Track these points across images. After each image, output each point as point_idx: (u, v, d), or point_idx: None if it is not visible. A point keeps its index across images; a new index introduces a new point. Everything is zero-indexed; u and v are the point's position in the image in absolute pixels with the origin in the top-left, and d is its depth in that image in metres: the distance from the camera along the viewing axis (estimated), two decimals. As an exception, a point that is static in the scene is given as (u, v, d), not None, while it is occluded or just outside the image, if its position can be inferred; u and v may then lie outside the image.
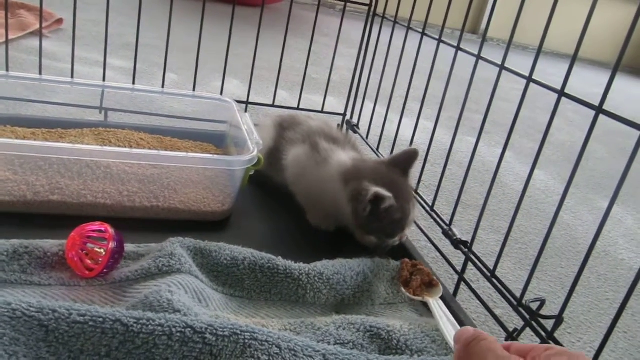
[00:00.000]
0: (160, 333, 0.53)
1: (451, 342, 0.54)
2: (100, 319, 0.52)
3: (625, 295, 0.59)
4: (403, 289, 0.75)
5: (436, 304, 0.71)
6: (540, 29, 0.71)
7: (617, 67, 0.62)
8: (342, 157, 0.90)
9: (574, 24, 0.61)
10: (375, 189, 0.77)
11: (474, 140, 0.87)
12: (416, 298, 0.74)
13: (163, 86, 1.17)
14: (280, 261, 0.74)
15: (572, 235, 1.36)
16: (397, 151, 0.93)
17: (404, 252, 0.87)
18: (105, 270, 0.66)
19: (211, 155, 0.87)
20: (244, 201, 0.93)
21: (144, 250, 0.73)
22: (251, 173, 0.93)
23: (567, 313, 1.01)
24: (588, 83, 3.81)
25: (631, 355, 0.93)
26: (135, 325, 0.53)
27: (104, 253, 0.66)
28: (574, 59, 0.67)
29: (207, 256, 0.74)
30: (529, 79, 0.74)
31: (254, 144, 0.90)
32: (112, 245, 0.66)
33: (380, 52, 1.24)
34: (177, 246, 0.72)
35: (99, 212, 0.82)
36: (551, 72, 3.69)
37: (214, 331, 0.54)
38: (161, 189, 0.86)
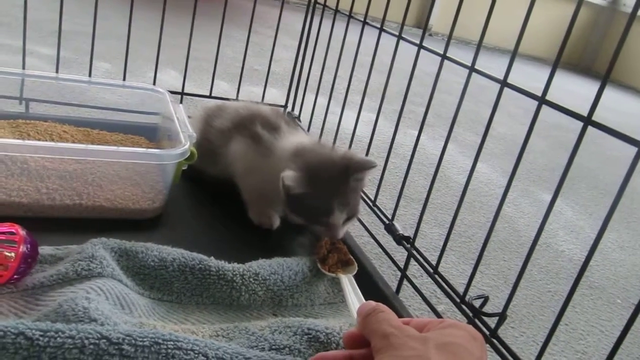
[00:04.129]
0: (71, 346, 0.47)
1: (355, 315, 0.55)
2: (1, 333, 0.46)
3: (570, 290, 0.57)
4: (319, 265, 0.75)
5: (346, 281, 0.72)
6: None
7: (558, 60, 0.60)
8: (289, 142, 0.86)
9: (517, 20, 0.60)
10: (287, 174, 0.76)
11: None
12: (330, 274, 0.74)
13: (90, 75, 1.09)
14: (212, 262, 0.69)
15: (514, 228, 1.37)
16: (340, 144, 0.90)
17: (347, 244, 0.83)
18: (15, 277, 0.60)
19: (138, 149, 0.82)
20: (176, 198, 0.88)
21: (62, 252, 0.67)
22: (184, 167, 0.87)
23: (510, 307, 1.00)
24: (529, 78, 3.90)
25: (572, 347, 0.93)
26: (41, 338, 0.47)
27: (13, 257, 0.59)
28: (515, 50, 0.65)
29: (132, 258, 0.68)
30: (471, 69, 0.72)
31: (186, 137, 0.85)
32: (22, 248, 0.60)
33: (323, 43, 1.20)
34: (99, 247, 0.66)
35: (14, 212, 0.75)
36: (494, 67, 3.75)
37: (133, 341, 0.49)
38: (85, 186, 0.80)
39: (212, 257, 0.70)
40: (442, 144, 0.78)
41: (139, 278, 0.67)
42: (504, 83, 0.67)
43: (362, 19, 0.99)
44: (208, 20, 1.15)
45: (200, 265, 0.68)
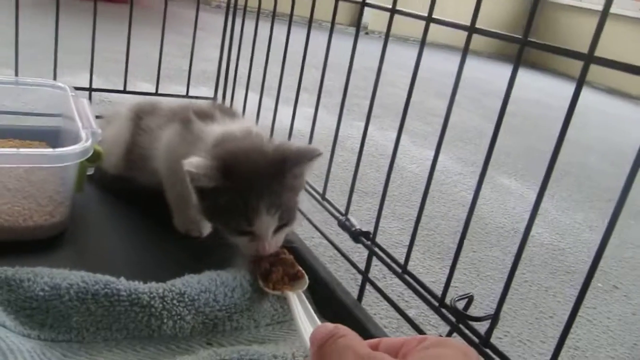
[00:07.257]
0: None
1: (307, 343, 0.41)
2: None
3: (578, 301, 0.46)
4: (261, 284, 0.59)
5: (295, 299, 0.56)
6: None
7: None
8: (219, 129, 0.69)
9: (457, 16, 0.48)
10: (191, 161, 0.59)
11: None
12: (275, 293, 0.59)
13: (-28, 74, 0.92)
14: (122, 284, 0.54)
15: (479, 216, 1.26)
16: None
17: (294, 253, 0.68)
18: None
19: (22, 150, 0.65)
20: (82, 209, 0.72)
21: None
22: (89, 172, 0.72)
23: (489, 303, 0.88)
24: (474, 70, 3.88)
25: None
26: None
27: None
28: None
29: (15, 289, 0.52)
30: (429, 19, 0.59)
31: (88, 134, 0.69)
32: None
33: (250, 38, 1.07)
34: (-33, 280, 0.50)
35: None
36: (438, 60, 3.72)
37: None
38: (-41, 203, 0.63)
39: (122, 278, 0.55)
40: (390, 134, 0.67)
41: (24, 314, 0.51)
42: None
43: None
44: (138, 26, 1.03)
45: (105, 290, 0.53)
